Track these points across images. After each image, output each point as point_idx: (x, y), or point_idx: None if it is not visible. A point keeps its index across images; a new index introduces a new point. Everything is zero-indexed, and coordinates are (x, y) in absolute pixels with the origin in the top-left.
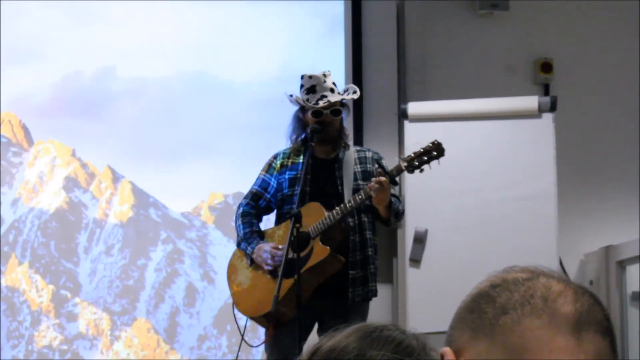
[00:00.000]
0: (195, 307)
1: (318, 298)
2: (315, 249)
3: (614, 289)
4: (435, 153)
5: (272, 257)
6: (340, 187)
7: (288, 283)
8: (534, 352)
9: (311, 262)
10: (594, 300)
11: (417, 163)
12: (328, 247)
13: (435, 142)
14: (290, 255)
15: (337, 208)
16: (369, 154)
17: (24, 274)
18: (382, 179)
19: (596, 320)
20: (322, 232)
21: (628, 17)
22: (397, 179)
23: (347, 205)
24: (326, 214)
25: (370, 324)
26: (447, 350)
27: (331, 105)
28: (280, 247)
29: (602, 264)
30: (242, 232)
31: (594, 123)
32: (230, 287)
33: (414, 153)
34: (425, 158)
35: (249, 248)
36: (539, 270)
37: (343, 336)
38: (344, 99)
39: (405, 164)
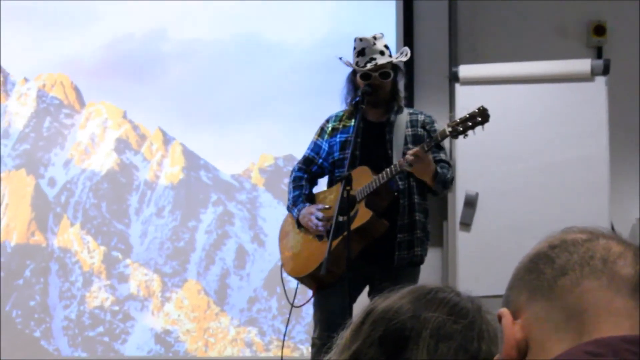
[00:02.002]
0: (245, 269)
1: (367, 261)
2: (360, 211)
3: None
4: (480, 119)
5: (317, 218)
6: (390, 151)
7: (333, 245)
8: (593, 313)
9: (354, 225)
10: None
11: (461, 128)
12: (371, 211)
13: (481, 108)
14: (339, 218)
15: (383, 172)
16: (420, 117)
17: (76, 235)
18: (416, 150)
19: None
20: (367, 195)
21: None
22: (443, 143)
23: (393, 169)
24: (373, 177)
25: (425, 285)
26: (504, 311)
27: (379, 67)
28: (326, 207)
29: None
30: (291, 197)
31: None
32: (281, 251)
33: (459, 118)
34: (470, 124)
35: (295, 212)
36: (599, 231)
37: (397, 297)
38: (391, 61)
39: (449, 129)
